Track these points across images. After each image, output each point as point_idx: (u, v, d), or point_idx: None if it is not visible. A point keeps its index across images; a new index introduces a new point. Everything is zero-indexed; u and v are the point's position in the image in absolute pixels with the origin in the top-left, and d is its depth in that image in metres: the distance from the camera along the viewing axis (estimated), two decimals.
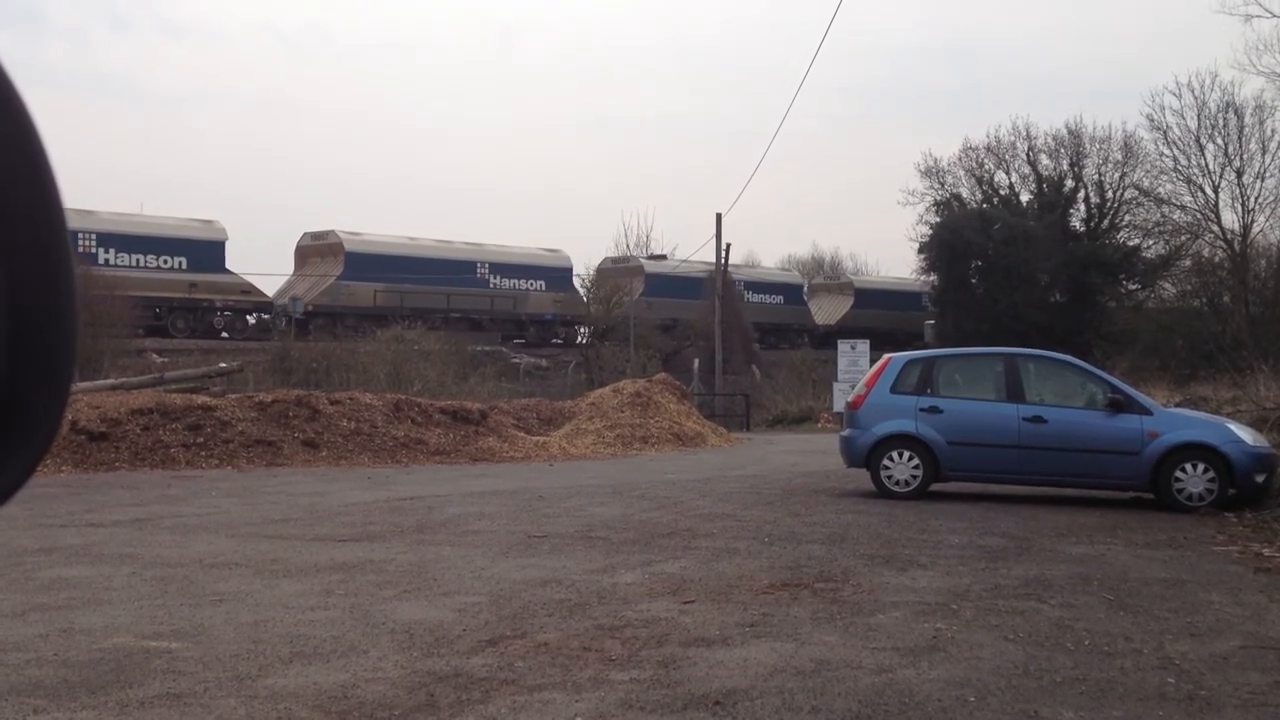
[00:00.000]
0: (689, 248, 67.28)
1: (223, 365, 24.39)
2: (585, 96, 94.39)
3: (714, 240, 35.79)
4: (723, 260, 36.10)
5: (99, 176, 71.73)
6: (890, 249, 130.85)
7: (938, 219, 45.16)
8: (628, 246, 48.56)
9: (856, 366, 28.08)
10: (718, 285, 36.27)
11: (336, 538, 8.64)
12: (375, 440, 16.74)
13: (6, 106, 0.80)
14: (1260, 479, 10.82)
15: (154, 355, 29.56)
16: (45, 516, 9.67)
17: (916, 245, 46.18)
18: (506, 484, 13.33)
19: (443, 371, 27.97)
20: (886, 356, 12.72)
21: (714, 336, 35.88)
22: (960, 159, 46.97)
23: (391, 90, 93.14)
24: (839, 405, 25.55)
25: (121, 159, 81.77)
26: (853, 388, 14.07)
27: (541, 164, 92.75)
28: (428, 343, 30.05)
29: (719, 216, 35.66)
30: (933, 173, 46.76)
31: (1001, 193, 46.72)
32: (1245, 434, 11.18)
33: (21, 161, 0.81)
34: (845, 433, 12.43)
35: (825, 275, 61.29)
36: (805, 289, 52.93)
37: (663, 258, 47.82)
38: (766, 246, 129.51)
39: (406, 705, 4.22)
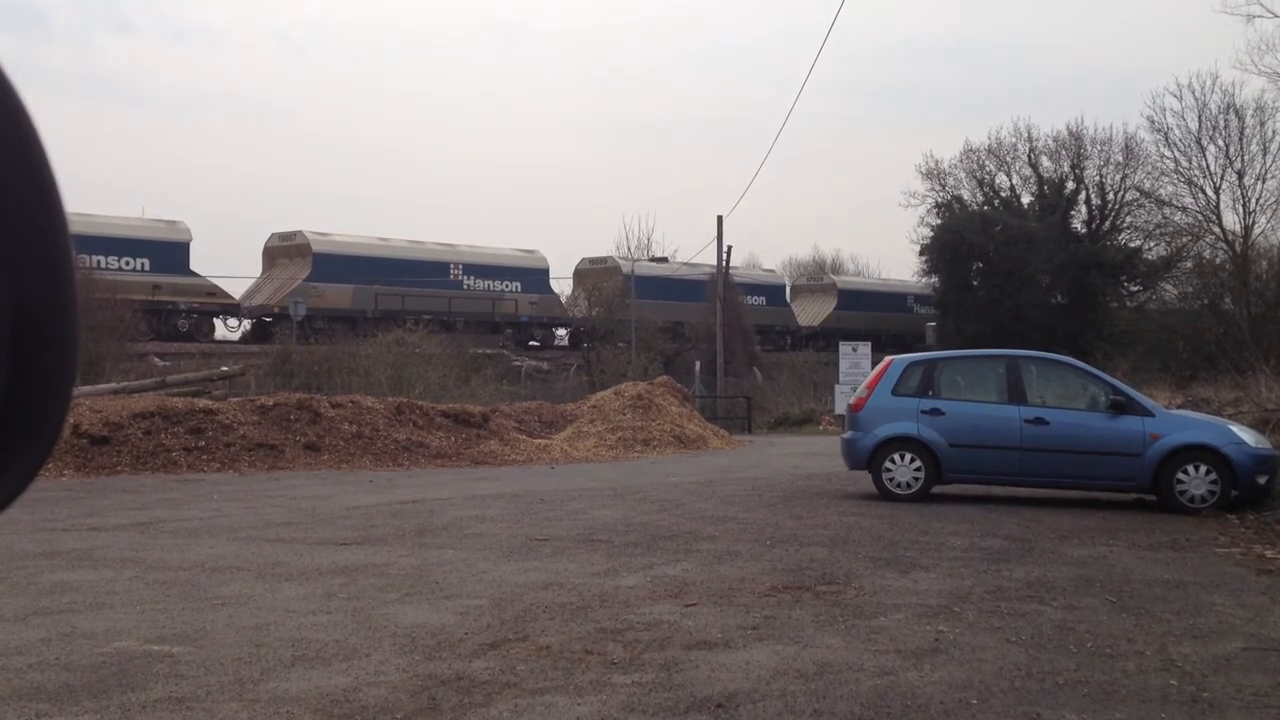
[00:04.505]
0: (690, 250, 67.24)
1: (224, 369, 24.41)
2: (587, 98, 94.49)
3: (715, 243, 35.82)
4: (723, 263, 36.10)
5: (90, 179, 71.74)
6: (892, 251, 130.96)
7: (939, 221, 45.16)
8: (628, 249, 48.51)
9: (858, 369, 28.07)
10: (719, 288, 36.25)
11: (338, 541, 8.64)
12: (377, 443, 16.73)
13: (8, 111, 0.80)
14: (1262, 480, 10.81)
15: (155, 359, 29.60)
16: (47, 520, 9.68)
17: (918, 247, 46.24)
18: (508, 487, 13.32)
19: (444, 374, 27.95)
20: (888, 359, 12.71)
21: (715, 339, 35.88)
22: (961, 161, 47.08)
23: (387, 93, 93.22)
24: (841, 407, 25.54)
25: (104, 162, 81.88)
26: (854, 390, 14.06)
27: (542, 166, 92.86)
28: (429, 346, 30.04)
29: (720, 219, 35.72)
30: (934, 174, 46.85)
31: (1003, 194, 46.74)
32: (1247, 435, 11.17)
33: (23, 166, 0.81)
34: (847, 435, 12.41)
35: (809, 276, 60.90)
36: (788, 290, 52.73)
37: (664, 260, 47.76)
38: (768, 249, 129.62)
39: (408, 709, 4.21)
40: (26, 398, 0.83)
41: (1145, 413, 11.22)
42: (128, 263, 33.28)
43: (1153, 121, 42.42)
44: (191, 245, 35.51)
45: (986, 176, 46.94)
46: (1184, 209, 40.07)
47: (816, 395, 34.79)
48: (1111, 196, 45.18)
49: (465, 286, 40.46)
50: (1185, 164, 38.88)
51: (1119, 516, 10.61)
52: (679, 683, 4.57)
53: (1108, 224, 45.13)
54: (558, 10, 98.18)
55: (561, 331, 44.57)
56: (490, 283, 41.23)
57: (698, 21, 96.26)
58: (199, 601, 6.23)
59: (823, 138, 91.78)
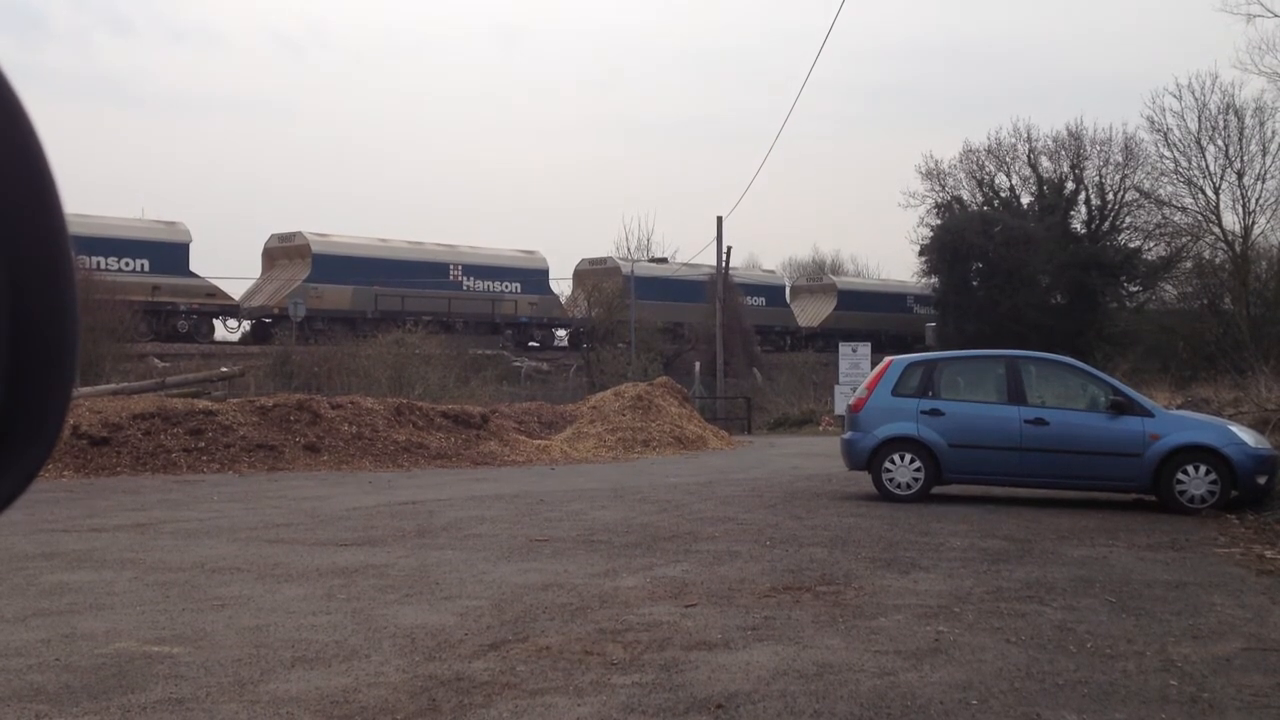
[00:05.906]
0: (690, 250, 67.27)
1: (224, 369, 24.41)
2: (587, 99, 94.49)
3: (715, 243, 35.82)
4: (723, 263, 36.10)
5: (89, 180, 71.75)
6: (892, 251, 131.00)
7: (939, 221, 45.18)
8: (628, 249, 48.52)
9: (858, 369, 28.08)
10: (719, 288, 36.25)
11: (338, 542, 8.64)
12: (376, 444, 16.73)
13: (8, 112, 0.80)
14: (1262, 480, 10.81)
15: (155, 360, 29.58)
16: (47, 521, 9.67)
17: (917, 247, 46.25)
18: (508, 488, 13.32)
19: (444, 375, 27.95)
20: (888, 359, 12.71)
21: (714, 339, 35.86)
22: (961, 161, 47.10)
23: (387, 94, 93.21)
24: (840, 408, 25.54)
25: (104, 162, 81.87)
26: (854, 390, 14.05)
27: (542, 166, 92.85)
28: (429, 346, 30.03)
29: (719, 219, 35.74)
30: (933, 175, 46.89)
31: (1002, 195, 46.75)
32: (1247, 436, 11.16)
33: (23, 167, 0.81)
34: (847, 435, 12.41)
35: (808, 276, 60.90)
36: (788, 290, 52.71)
37: (664, 260, 47.76)
38: (768, 249, 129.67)
39: (408, 709, 4.21)
40: (26, 398, 0.83)
41: (1145, 413, 11.21)
42: (127, 263, 33.24)
43: (1152, 122, 42.53)
44: (191, 246, 35.52)
45: (986, 177, 47.00)
46: (1184, 209, 40.15)
47: (816, 396, 34.79)
48: (1111, 197, 45.19)
49: (465, 287, 40.45)
50: (1185, 164, 38.96)
51: (1119, 517, 10.60)
52: (679, 683, 4.57)
53: (1107, 224, 45.13)
54: (558, 10, 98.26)
55: (561, 332, 44.57)
56: (490, 283, 41.23)
57: (698, 22, 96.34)
58: (199, 602, 6.23)
59: (822, 138, 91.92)
